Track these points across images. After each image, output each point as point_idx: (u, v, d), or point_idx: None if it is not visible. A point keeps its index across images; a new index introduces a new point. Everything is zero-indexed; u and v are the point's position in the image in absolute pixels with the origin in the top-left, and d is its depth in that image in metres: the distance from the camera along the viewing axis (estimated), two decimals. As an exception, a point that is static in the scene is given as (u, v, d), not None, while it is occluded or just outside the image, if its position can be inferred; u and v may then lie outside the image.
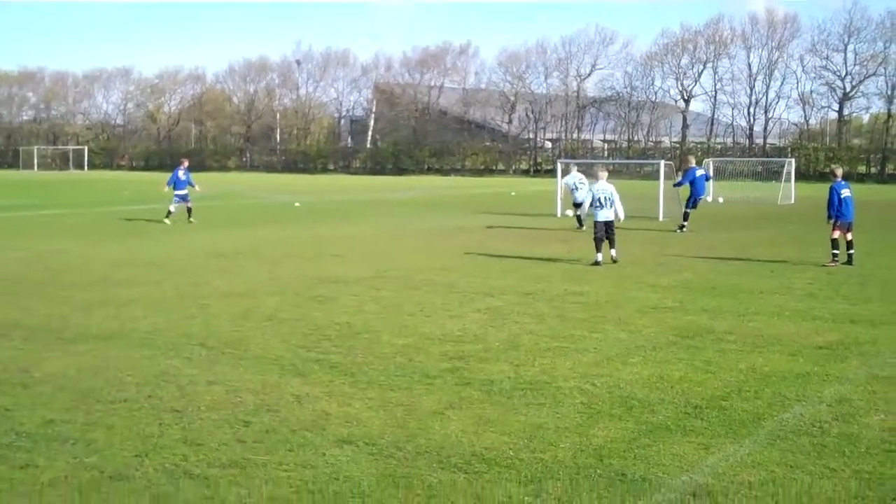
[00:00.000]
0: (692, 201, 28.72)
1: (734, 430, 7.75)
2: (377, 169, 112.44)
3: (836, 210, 19.28)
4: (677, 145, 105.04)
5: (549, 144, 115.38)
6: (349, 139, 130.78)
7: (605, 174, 20.06)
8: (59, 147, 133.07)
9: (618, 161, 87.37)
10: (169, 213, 30.93)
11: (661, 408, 8.40)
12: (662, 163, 35.75)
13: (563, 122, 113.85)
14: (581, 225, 28.14)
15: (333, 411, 8.29)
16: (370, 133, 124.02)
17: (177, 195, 31.12)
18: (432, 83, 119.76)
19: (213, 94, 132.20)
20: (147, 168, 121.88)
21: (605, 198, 19.27)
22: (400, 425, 7.89)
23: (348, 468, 6.85)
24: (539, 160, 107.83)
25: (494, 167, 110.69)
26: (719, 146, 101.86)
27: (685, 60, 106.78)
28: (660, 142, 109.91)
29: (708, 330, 12.09)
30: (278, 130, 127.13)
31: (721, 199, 41.63)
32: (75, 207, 40.50)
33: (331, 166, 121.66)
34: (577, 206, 28.83)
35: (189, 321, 12.72)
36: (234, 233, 27.17)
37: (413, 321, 12.74)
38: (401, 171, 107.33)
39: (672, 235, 26.55)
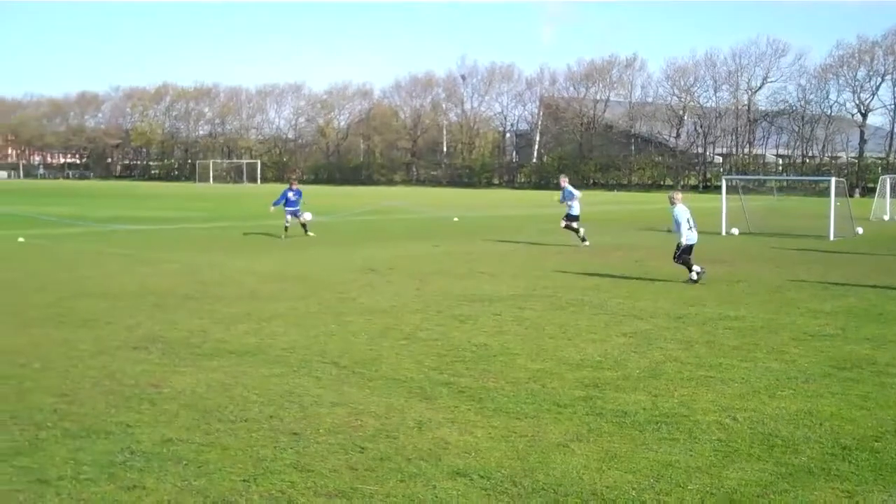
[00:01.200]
0: None
1: (884, 477, 7.01)
2: (542, 183, 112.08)
3: None
4: (854, 161, 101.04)
5: (718, 159, 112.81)
6: (514, 153, 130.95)
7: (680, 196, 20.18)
8: (234, 161, 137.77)
9: (790, 178, 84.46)
10: (286, 227, 31.41)
11: (806, 447, 7.72)
12: (833, 180, 34.17)
13: (734, 137, 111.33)
14: (584, 240, 28.11)
15: (453, 440, 7.93)
16: (535, 147, 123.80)
17: (288, 210, 31.48)
18: (598, 97, 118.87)
19: (381, 109, 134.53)
20: (317, 181, 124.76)
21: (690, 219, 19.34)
22: (520, 457, 7.47)
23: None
24: (709, 176, 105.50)
25: (662, 182, 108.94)
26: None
27: (862, 73, 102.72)
28: (836, 157, 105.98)
29: (869, 361, 11.22)
30: (444, 145, 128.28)
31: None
32: (240, 220, 41.48)
33: (495, 181, 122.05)
34: (573, 218, 28.50)
35: (327, 338, 12.59)
36: (388, 248, 27.20)
37: (553, 344, 12.29)
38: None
39: (841, 257, 25.16)
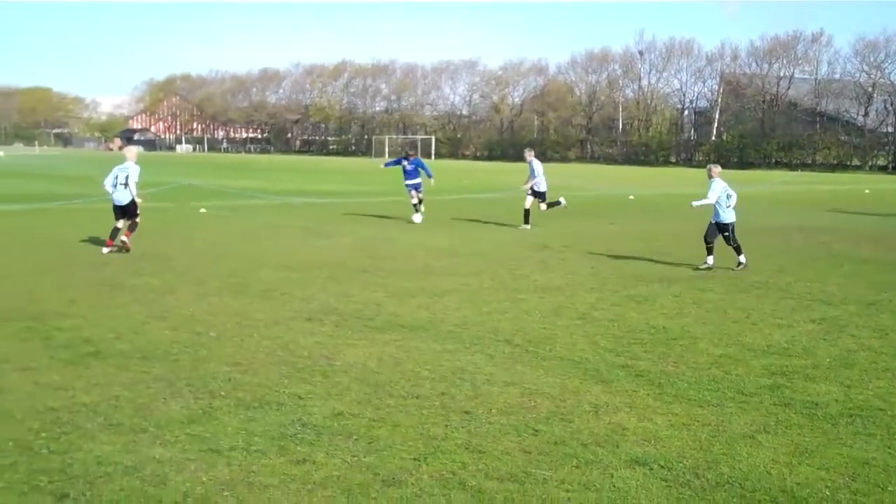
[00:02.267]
0: None
1: None
2: (721, 162, 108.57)
3: None
4: None
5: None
6: (692, 131, 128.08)
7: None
8: (409, 137, 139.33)
9: None
10: (414, 205, 27.66)
11: None
12: None
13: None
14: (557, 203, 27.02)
15: (631, 426, 7.57)
16: (715, 125, 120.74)
17: (409, 185, 27.65)
18: (781, 73, 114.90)
19: (556, 85, 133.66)
20: (490, 158, 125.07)
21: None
22: (703, 448, 7.06)
23: (636, 495, 6.13)
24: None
25: (848, 163, 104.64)
26: None
27: None
28: None
29: None
30: (620, 122, 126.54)
31: None
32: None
33: (672, 159, 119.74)
34: (539, 195, 26.44)
35: (500, 315, 12.36)
36: (563, 225, 26.78)
37: (736, 328, 11.72)
38: (746, 165, 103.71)
39: None
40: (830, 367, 9.69)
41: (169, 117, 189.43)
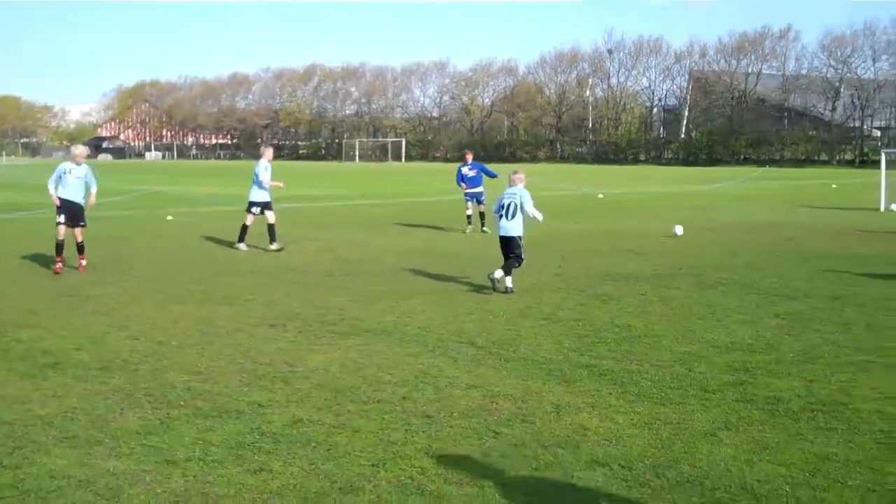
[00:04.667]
0: None
1: None
2: (689, 160, 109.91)
3: None
4: None
5: (877, 133, 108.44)
6: (661, 129, 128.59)
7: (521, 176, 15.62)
8: (379, 139, 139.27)
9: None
10: (468, 217, 25.50)
11: (983, 443, 7.05)
12: None
13: (893, 110, 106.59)
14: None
15: (593, 426, 7.52)
16: (684, 122, 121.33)
17: (468, 194, 25.28)
18: (749, 70, 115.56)
19: (525, 85, 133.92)
20: (461, 159, 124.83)
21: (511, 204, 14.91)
22: (664, 446, 7.02)
23: (595, 497, 6.09)
24: (866, 150, 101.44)
25: (816, 157, 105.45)
26: None
27: None
28: None
29: None
30: (589, 121, 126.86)
31: None
32: (385, 198, 41.69)
33: (642, 157, 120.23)
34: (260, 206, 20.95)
35: (466, 317, 12.31)
36: (530, 225, 26.67)
37: (701, 325, 11.71)
38: (714, 162, 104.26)
39: None
40: (793, 362, 9.69)
41: (138, 124, 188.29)
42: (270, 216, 20.54)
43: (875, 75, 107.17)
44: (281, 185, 21.54)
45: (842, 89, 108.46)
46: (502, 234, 15.10)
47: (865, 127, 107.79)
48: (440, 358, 9.95)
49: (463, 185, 25.45)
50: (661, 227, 25.33)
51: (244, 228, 20.58)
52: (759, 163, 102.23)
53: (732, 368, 9.41)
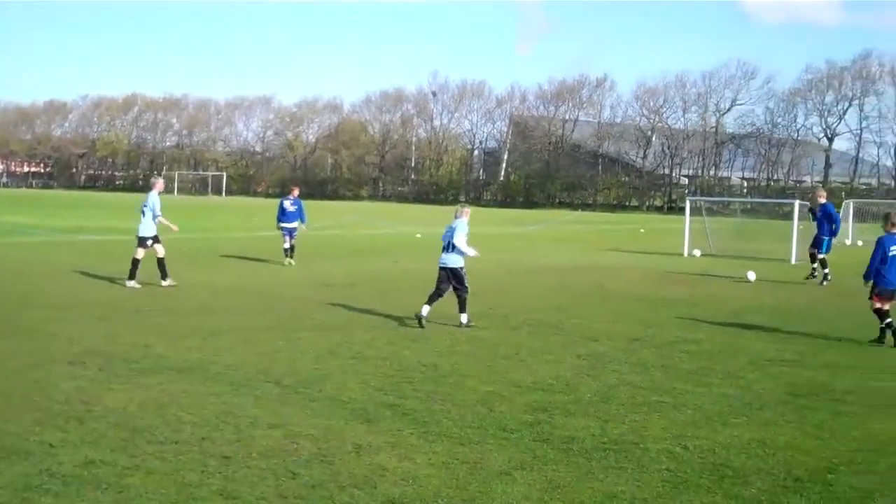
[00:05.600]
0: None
1: (838, 513, 6.74)
2: (507, 202, 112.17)
3: (872, 271, 14.60)
4: (819, 184, 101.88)
5: (685, 181, 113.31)
6: (481, 171, 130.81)
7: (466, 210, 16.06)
8: (200, 172, 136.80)
9: (754, 200, 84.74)
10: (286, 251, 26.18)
11: (757, 479, 7.42)
12: (797, 203, 34.06)
13: (701, 159, 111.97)
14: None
15: (392, 466, 7.57)
16: (503, 165, 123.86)
17: (284, 228, 26.25)
18: (567, 116, 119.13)
19: (350, 123, 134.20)
20: (283, 195, 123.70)
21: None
22: (460, 486, 7.13)
23: (388, 537, 6.14)
24: (674, 197, 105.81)
25: (627, 202, 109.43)
26: (864, 187, 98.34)
27: (830, 97, 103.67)
28: (801, 181, 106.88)
29: (826, 388, 10.98)
30: (412, 160, 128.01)
31: (860, 243, 39.65)
32: (202, 232, 40.93)
33: (462, 197, 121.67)
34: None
35: (273, 355, 12.21)
36: (348, 263, 26.82)
37: (505, 365, 11.97)
38: (531, 205, 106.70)
39: (803, 282, 24.89)
40: (590, 402, 10.00)
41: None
42: (160, 250, 19.90)
43: (685, 125, 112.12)
44: (175, 227, 20.82)
45: (653, 138, 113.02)
46: (441, 264, 15.60)
47: (674, 174, 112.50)
48: (244, 397, 9.84)
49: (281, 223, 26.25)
50: (469, 267, 25.72)
51: (135, 263, 19.73)
52: (574, 206, 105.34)
53: (532, 408, 9.64)
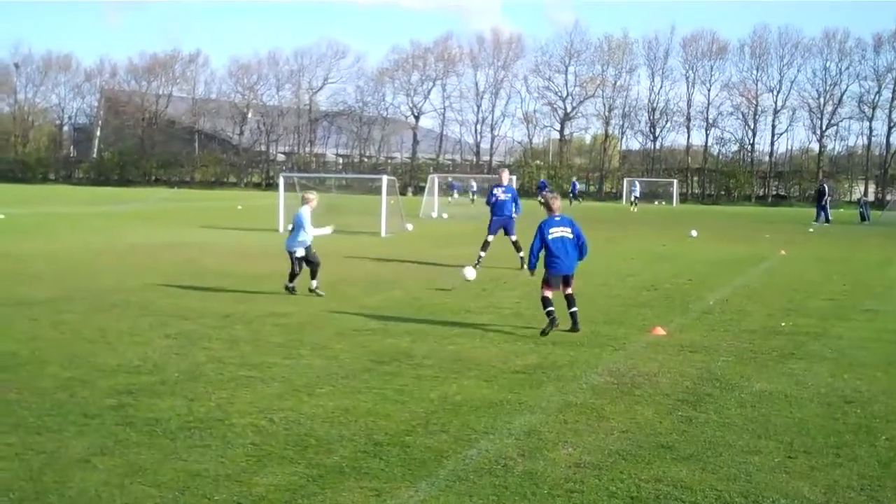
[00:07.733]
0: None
1: (412, 472, 7.08)
2: (101, 180, 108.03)
3: (535, 259, 13.41)
4: (408, 161, 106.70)
5: (282, 157, 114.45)
6: (72, 148, 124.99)
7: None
8: None
9: (347, 176, 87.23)
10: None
11: (340, 446, 7.67)
12: (385, 178, 35.49)
13: (296, 136, 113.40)
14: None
15: (-44, 464, 7.08)
16: (96, 142, 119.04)
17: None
18: (160, 91, 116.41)
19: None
20: None
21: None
22: (34, 478, 6.79)
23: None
24: (272, 173, 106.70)
25: (226, 179, 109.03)
26: (449, 162, 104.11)
27: (415, 77, 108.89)
28: (392, 157, 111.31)
29: (407, 354, 11.53)
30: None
31: (445, 216, 42.01)
32: None
33: (52, 176, 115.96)
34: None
35: None
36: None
37: (90, 349, 11.52)
38: (127, 182, 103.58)
39: (391, 251, 25.96)
40: (178, 381, 9.87)
41: None
42: None
43: (279, 102, 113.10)
44: None
45: (249, 114, 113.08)
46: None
47: (271, 151, 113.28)
48: None
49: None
50: (60, 247, 24.60)
51: None
52: (170, 184, 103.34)
53: (116, 391, 9.36)
